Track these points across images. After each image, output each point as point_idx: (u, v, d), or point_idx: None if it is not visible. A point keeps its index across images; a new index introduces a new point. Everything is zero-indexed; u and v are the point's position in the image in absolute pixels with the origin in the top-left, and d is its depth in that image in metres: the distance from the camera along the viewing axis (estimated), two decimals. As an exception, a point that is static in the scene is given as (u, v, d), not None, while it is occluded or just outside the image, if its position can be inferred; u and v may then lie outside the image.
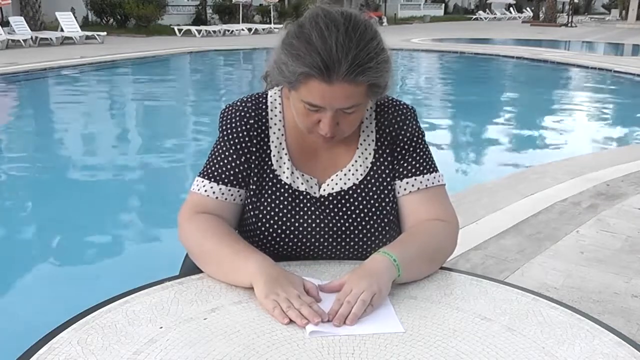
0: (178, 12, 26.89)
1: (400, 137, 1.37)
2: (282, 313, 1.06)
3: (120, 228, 4.43)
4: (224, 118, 1.36)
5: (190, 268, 1.37)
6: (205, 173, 1.34)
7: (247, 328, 1.04)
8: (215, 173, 1.33)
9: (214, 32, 22.31)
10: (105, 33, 18.30)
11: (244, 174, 1.33)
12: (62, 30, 17.60)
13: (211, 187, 1.32)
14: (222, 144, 1.35)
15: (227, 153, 1.34)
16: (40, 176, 5.83)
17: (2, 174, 5.79)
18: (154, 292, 1.17)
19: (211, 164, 1.34)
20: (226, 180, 1.33)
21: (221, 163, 1.33)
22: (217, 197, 1.32)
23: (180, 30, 21.66)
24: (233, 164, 1.33)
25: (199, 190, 1.33)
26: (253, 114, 1.35)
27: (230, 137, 1.34)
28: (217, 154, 1.35)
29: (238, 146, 1.33)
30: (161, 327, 1.04)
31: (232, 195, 1.33)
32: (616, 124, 8.93)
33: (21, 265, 3.75)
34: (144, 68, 13.82)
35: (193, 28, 22.18)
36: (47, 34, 17.15)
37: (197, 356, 0.95)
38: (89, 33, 17.91)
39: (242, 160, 1.33)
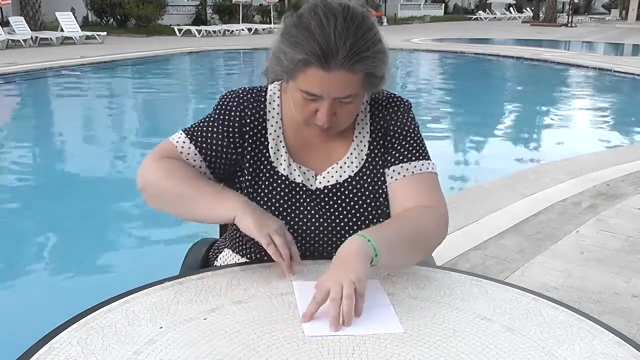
0: (178, 12, 26.88)
1: (392, 127, 1.38)
2: (276, 252, 1.16)
3: (120, 228, 4.43)
4: (222, 100, 1.38)
5: (190, 268, 1.37)
6: (187, 130, 1.36)
7: (247, 328, 1.04)
8: (196, 133, 1.35)
9: (214, 32, 22.30)
10: (105, 33, 18.30)
11: (216, 155, 1.34)
12: (62, 30, 17.60)
13: (185, 143, 1.34)
14: (212, 119, 1.36)
15: (214, 126, 1.35)
16: (40, 176, 5.83)
17: (2, 174, 5.79)
18: (154, 292, 1.17)
19: (196, 126, 1.36)
20: (200, 145, 1.34)
21: (205, 129, 1.35)
22: (188, 158, 1.33)
23: (180, 30, 21.66)
24: (213, 140, 1.34)
25: (174, 140, 1.34)
26: (252, 103, 1.37)
27: (223, 117, 1.35)
28: (205, 122, 1.37)
29: (225, 127, 1.35)
30: (161, 327, 1.04)
31: (195, 162, 1.33)
32: (616, 124, 8.93)
33: (21, 265, 3.75)
34: (144, 68, 13.82)
35: (193, 28, 22.17)
36: (47, 34, 17.15)
37: (197, 356, 0.95)
38: (89, 33, 17.91)
39: (224, 140, 1.34)
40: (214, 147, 1.34)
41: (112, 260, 3.82)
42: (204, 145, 1.34)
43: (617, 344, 1.03)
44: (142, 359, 0.95)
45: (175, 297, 1.15)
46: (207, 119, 1.37)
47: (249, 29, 23.29)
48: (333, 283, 1.06)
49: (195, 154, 1.33)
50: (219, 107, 1.37)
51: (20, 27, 16.55)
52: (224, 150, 1.34)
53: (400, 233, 1.22)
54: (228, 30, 22.72)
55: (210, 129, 1.35)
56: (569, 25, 33.30)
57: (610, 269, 3.10)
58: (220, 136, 1.34)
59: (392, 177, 1.35)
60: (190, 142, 1.34)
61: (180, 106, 9.88)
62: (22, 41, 15.86)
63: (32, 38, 16.34)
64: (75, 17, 19.35)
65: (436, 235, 1.30)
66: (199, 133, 1.35)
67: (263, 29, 23.51)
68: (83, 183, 5.49)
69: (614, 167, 5.10)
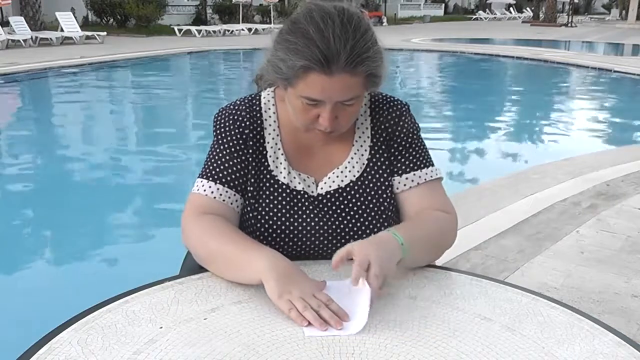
0: (178, 12, 26.89)
1: (397, 134, 1.37)
2: (299, 316, 1.05)
3: (120, 228, 4.43)
4: (218, 122, 1.37)
5: (190, 268, 1.37)
6: (204, 174, 1.34)
7: (247, 328, 1.04)
8: (213, 172, 1.33)
9: (214, 32, 22.31)
10: (105, 33, 18.31)
11: (241, 180, 1.33)
12: (62, 30, 17.61)
13: (210, 187, 1.32)
14: (217, 147, 1.35)
15: (222, 155, 1.34)
16: (41, 176, 5.83)
17: (2, 174, 5.79)
18: (154, 292, 1.17)
19: (209, 165, 1.34)
20: (224, 181, 1.32)
21: (218, 163, 1.34)
22: (222, 199, 1.31)
23: (180, 30, 21.66)
24: (230, 169, 1.33)
25: (197, 190, 1.32)
26: (247, 116, 1.35)
27: (225, 140, 1.34)
28: (213, 156, 1.35)
29: (232, 149, 1.34)
30: (161, 327, 1.04)
31: (229, 198, 1.32)
32: (616, 124, 8.93)
33: (21, 265, 3.75)
34: (144, 68, 13.82)
35: (193, 28, 22.18)
36: (47, 34, 17.15)
37: (197, 356, 0.95)
38: (89, 33, 17.91)
39: (237, 161, 1.33)
40: (236, 174, 1.33)
41: (112, 260, 3.82)
42: (227, 178, 1.32)
43: (617, 344, 1.03)
44: (142, 359, 0.95)
45: (175, 297, 1.15)
46: (212, 152, 1.35)
47: (249, 29, 23.28)
48: (365, 251, 1.13)
49: (227, 191, 1.32)
50: (216, 131, 1.36)
51: (20, 27, 16.55)
52: (243, 171, 1.33)
53: (427, 236, 1.27)
54: (228, 30, 22.73)
55: (221, 159, 1.34)
56: (569, 25, 33.29)
57: (610, 269, 3.10)
58: (232, 162, 1.33)
59: (404, 185, 1.36)
60: (216, 184, 1.32)
61: (180, 106, 9.88)
62: (22, 41, 15.86)
63: (32, 38, 16.34)
64: (75, 17, 19.35)
65: (452, 242, 1.36)
66: (216, 170, 1.33)
67: (263, 29, 23.50)
68: (83, 183, 5.49)
69: (614, 167, 5.10)
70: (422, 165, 1.37)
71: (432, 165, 1.39)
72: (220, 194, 1.31)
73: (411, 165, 1.37)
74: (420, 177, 1.36)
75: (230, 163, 1.33)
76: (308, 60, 1.15)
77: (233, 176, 1.33)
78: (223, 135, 1.35)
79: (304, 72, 1.17)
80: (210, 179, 1.33)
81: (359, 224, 1.34)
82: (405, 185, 1.36)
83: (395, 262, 1.16)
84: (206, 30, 22.11)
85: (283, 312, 1.07)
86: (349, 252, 1.14)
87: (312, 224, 1.33)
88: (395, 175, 1.37)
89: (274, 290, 1.09)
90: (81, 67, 12.98)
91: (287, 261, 1.16)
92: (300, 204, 1.33)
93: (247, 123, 1.35)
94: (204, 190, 1.32)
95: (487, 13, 44.10)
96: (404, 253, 1.18)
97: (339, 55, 1.15)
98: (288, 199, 1.33)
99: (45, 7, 19.35)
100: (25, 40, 15.97)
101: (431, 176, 1.37)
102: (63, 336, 1.01)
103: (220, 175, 1.33)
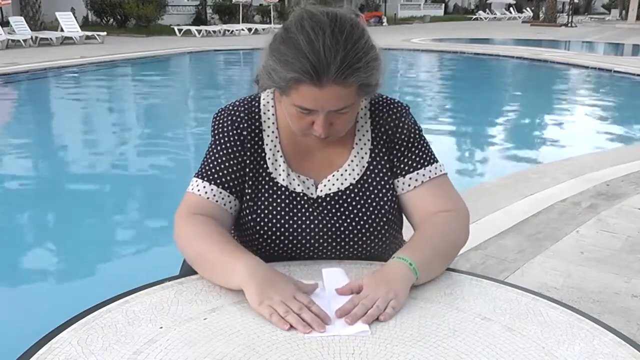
0: (178, 12, 26.90)
1: (398, 135, 1.37)
2: (280, 319, 1.04)
3: (120, 228, 4.43)
4: (216, 122, 1.36)
5: (190, 268, 1.37)
6: (200, 173, 1.34)
7: (247, 328, 1.04)
8: (209, 172, 1.33)
9: (214, 32, 22.31)
10: (105, 33, 18.32)
11: (237, 181, 1.33)
12: (62, 30, 17.62)
13: (204, 187, 1.32)
14: (214, 148, 1.35)
15: (219, 155, 1.34)
16: (40, 176, 5.84)
17: (2, 175, 5.79)
18: (154, 292, 1.17)
19: (205, 165, 1.34)
20: (219, 182, 1.32)
21: (214, 164, 1.34)
22: (215, 200, 1.31)
23: (180, 30, 21.66)
24: (226, 170, 1.33)
25: (192, 190, 1.33)
26: (246, 117, 1.35)
27: (222, 141, 1.34)
28: (210, 156, 1.35)
29: (229, 150, 1.33)
30: (161, 327, 1.04)
31: (223, 199, 1.32)
32: (616, 124, 8.92)
33: (21, 265, 3.75)
34: (144, 68, 13.82)
35: (193, 28, 22.18)
36: (47, 34, 17.16)
37: (197, 356, 0.95)
38: (89, 33, 17.92)
39: (234, 162, 1.33)
40: (232, 176, 1.33)
41: (112, 260, 3.82)
42: (223, 179, 1.32)
43: (617, 344, 1.03)
44: (142, 359, 0.95)
45: (175, 297, 1.15)
46: (210, 152, 1.35)
47: (249, 29, 23.28)
48: (372, 292, 1.11)
49: (221, 192, 1.32)
50: (215, 131, 1.36)
51: (20, 27, 16.56)
52: (239, 173, 1.33)
53: (437, 251, 1.25)
54: (228, 30, 22.73)
55: (218, 160, 1.33)
56: (569, 25, 33.28)
57: (610, 269, 3.10)
58: (229, 163, 1.33)
59: (408, 185, 1.36)
60: (210, 184, 1.32)
61: (180, 106, 9.88)
62: (22, 41, 15.87)
63: (32, 38, 16.35)
64: (75, 17, 19.35)
65: (464, 241, 1.35)
66: (212, 171, 1.33)
67: (263, 29, 23.49)
68: (83, 183, 5.49)
69: (614, 167, 5.10)
70: (425, 163, 1.36)
71: (436, 161, 1.38)
72: (214, 195, 1.31)
73: (414, 164, 1.36)
74: (424, 175, 1.35)
75: (227, 164, 1.33)
76: (298, 72, 1.14)
77: (228, 177, 1.33)
78: (221, 136, 1.34)
79: (295, 84, 1.16)
80: (205, 179, 1.32)
81: (359, 227, 1.33)
82: (409, 185, 1.35)
83: (409, 288, 1.15)
84: (206, 30, 22.12)
85: (265, 317, 1.06)
86: (360, 287, 1.14)
87: (312, 226, 1.32)
88: (399, 176, 1.36)
89: (254, 297, 1.08)
90: (81, 67, 12.99)
91: (265, 266, 1.15)
92: (299, 206, 1.33)
93: (246, 125, 1.34)
94: (198, 190, 1.32)
95: (487, 13, 44.09)
96: (416, 274, 1.17)
97: (329, 67, 1.13)
98: (287, 201, 1.33)
99: (45, 7, 19.35)
100: (25, 40, 15.97)
101: (435, 173, 1.36)
102: (63, 336, 1.01)
103: (216, 176, 1.32)
